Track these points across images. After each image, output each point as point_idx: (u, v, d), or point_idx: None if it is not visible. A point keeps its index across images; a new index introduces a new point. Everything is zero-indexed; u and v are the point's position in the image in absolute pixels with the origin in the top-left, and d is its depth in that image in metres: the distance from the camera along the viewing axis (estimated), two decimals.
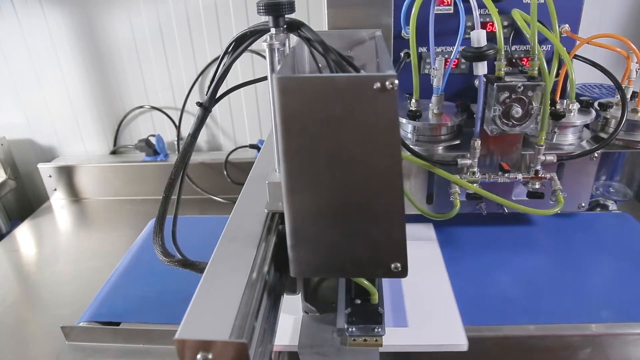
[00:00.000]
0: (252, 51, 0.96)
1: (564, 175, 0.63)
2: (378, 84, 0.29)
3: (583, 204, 0.66)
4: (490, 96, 0.55)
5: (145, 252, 0.71)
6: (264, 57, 0.42)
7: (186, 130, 1.04)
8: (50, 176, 1.04)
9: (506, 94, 0.54)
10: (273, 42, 0.36)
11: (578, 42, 0.59)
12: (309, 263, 0.36)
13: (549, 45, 0.62)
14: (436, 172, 0.60)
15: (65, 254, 0.84)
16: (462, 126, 0.62)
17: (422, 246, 0.64)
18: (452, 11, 0.61)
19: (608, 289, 0.57)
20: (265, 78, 0.41)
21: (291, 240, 0.35)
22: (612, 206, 0.77)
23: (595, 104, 0.64)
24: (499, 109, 0.55)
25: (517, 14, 0.59)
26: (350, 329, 0.49)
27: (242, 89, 0.49)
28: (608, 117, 0.62)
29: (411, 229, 0.66)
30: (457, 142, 0.61)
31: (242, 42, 0.40)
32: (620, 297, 0.55)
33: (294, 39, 0.41)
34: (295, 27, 0.37)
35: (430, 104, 0.61)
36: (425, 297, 0.55)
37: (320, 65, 0.43)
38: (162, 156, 1.03)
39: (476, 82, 0.61)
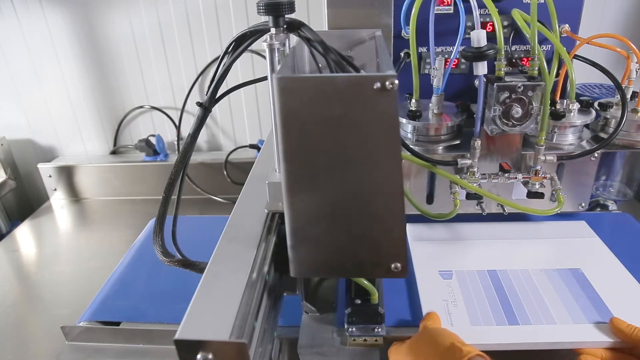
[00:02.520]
0: (252, 51, 0.96)
1: (564, 175, 0.63)
2: (378, 84, 0.29)
3: (583, 204, 0.66)
4: (490, 96, 0.55)
5: (145, 252, 0.71)
6: (264, 57, 0.42)
7: (186, 130, 1.04)
8: (50, 176, 1.04)
9: (506, 94, 0.54)
10: (273, 42, 0.36)
11: (578, 42, 0.59)
12: (309, 263, 0.36)
13: (549, 45, 0.62)
14: (436, 172, 0.60)
15: (65, 254, 0.84)
16: (462, 126, 0.62)
17: (585, 243, 0.64)
18: (452, 11, 0.61)
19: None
20: (265, 78, 0.41)
21: (291, 240, 0.35)
22: (612, 206, 0.77)
23: (595, 104, 0.64)
24: (499, 109, 0.55)
25: (517, 14, 0.59)
26: (350, 329, 0.49)
27: (242, 89, 0.49)
28: (608, 117, 0.62)
29: (560, 226, 0.67)
30: (457, 142, 0.61)
31: (242, 42, 0.40)
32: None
33: (294, 39, 0.41)
34: (295, 27, 0.37)
35: (430, 104, 0.61)
36: (621, 291, 0.55)
37: (320, 65, 0.43)
38: (162, 156, 1.03)
39: (476, 82, 0.61)
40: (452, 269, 0.59)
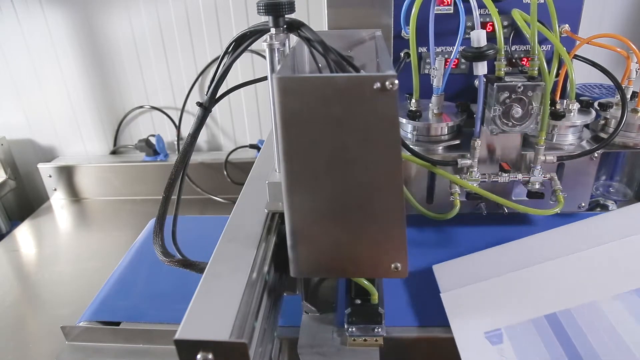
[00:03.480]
0: (252, 51, 0.96)
1: (564, 175, 0.63)
2: (378, 84, 0.29)
3: (583, 204, 0.66)
4: (490, 96, 0.55)
5: (145, 252, 0.71)
6: (264, 57, 0.42)
7: (186, 130, 1.04)
8: (50, 176, 1.04)
9: (506, 94, 0.54)
10: (273, 42, 0.36)
11: (578, 42, 0.59)
12: (309, 263, 0.36)
13: (549, 45, 0.62)
14: (436, 172, 0.60)
15: (65, 254, 0.84)
16: (462, 126, 0.62)
17: None
18: (452, 11, 0.61)
19: None
20: (265, 78, 0.41)
21: (291, 240, 0.35)
22: (612, 206, 0.77)
23: (595, 104, 0.64)
24: (499, 109, 0.55)
25: (517, 14, 0.59)
26: (350, 329, 0.49)
27: (242, 89, 0.49)
28: (608, 117, 0.62)
29: (621, 219, 0.53)
30: (457, 142, 0.61)
31: (242, 42, 0.40)
32: None
33: (294, 39, 0.40)
34: (295, 27, 0.37)
35: (430, 104, 0.61)
36: None
37: (320, 65, 0.43)
38: (162, 156, 1.03)
39: (476, 82, 0.61)
40: (500, 326, 0.46)
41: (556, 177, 0.61)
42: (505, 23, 0.61)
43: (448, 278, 0.54)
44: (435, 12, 0.58)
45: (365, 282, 0.47)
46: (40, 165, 1.04)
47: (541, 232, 0.55)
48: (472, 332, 0.46)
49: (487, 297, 0.49)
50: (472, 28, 0.54)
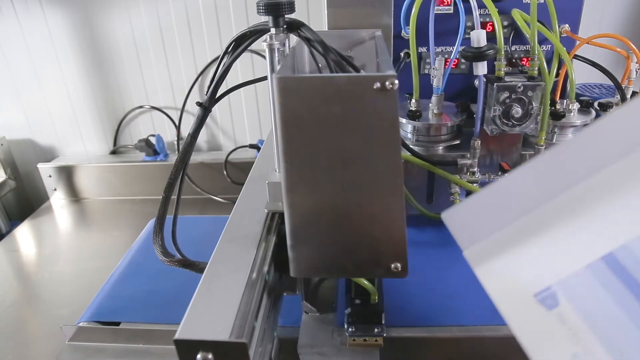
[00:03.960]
0: (252, 51, 0.96)
1: None
2: (378, 84, 0.29)
3: None
4: (490, 96, 0.55)
5: (145, 252, 0.71)
6: (264, 57, 0.42)
7: (186, 130, 1.04)
8: (50, 176, 1.04)
9: (506, 94, 0.54)
10: (273, 42, 0.36)
11: (578, 42, 0.59)
12: (309, 263, 0.36)
13: (549, 45, 0.62)
14: (436, 172, 0.60)
15: (65, 254, 0.84)
16: (462, 126, 0.62)
17: None
18: (452, 11, 0.61)
19: None
20: (265, 78, 0.41)
21: (291, 240, 0.35)
22: None
23: (595, 104, 0.64)
24: (499, 109, 0.55)
25: (517, 14, 0.59)
26: (350, 329, 0.49)
27: (242, 89, 0.49)
28: None
29: None
30: (457, 142, 0.61)
31: (242, 42, 0.40)
32: None
33: (294, 39, 0.41)
34: (295, 27, 0.37)
35: (430, 104, 0.61)
36: None
37: (320, 65, 0.43)
38: (162, 156, 1.03)
39: (476, 82, 0.61)
40: (550, 283, 0.34)
41: None
42: (505, 23, 0.61)
43: (467, 227, 0.39)
44: (435, 12, 0.58)
45: (365, 282, 0.47)
46: (40, 165, 1.04)
47: (573, 137, 0.38)
48: (519, 298, 0.35)
49: (524, 244, 0.37)
50: (472, 28, 0.54)
